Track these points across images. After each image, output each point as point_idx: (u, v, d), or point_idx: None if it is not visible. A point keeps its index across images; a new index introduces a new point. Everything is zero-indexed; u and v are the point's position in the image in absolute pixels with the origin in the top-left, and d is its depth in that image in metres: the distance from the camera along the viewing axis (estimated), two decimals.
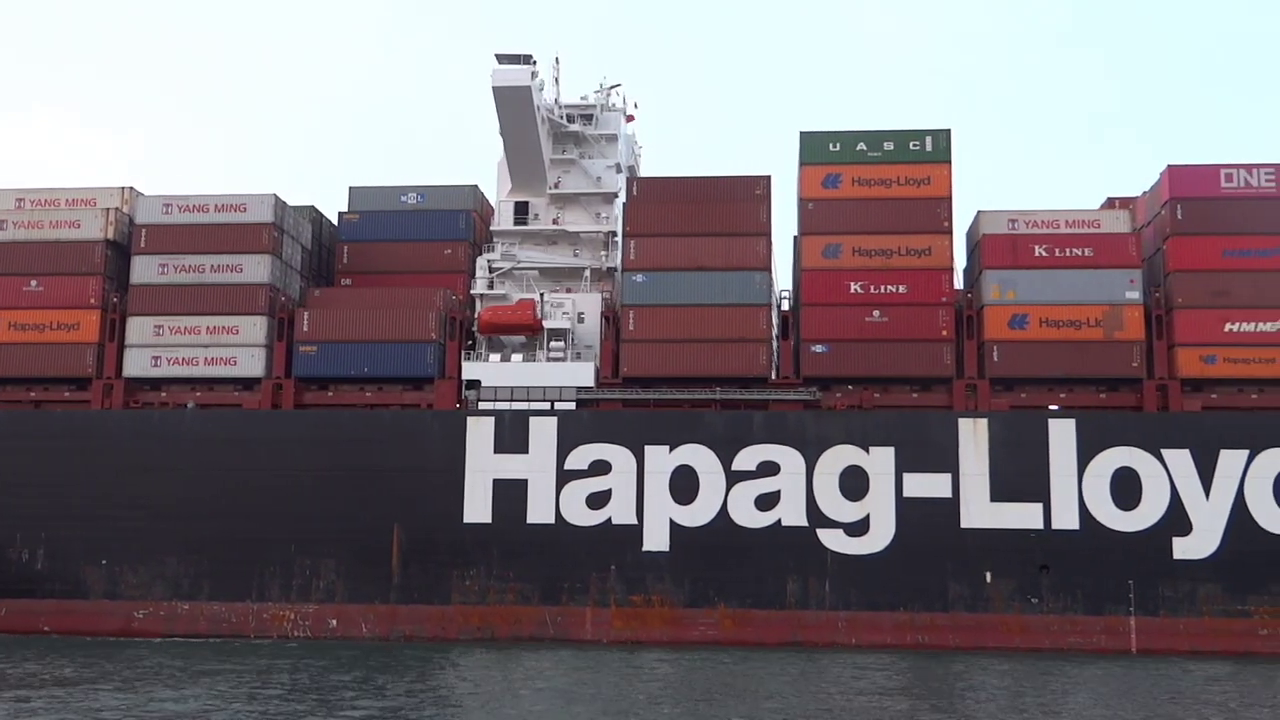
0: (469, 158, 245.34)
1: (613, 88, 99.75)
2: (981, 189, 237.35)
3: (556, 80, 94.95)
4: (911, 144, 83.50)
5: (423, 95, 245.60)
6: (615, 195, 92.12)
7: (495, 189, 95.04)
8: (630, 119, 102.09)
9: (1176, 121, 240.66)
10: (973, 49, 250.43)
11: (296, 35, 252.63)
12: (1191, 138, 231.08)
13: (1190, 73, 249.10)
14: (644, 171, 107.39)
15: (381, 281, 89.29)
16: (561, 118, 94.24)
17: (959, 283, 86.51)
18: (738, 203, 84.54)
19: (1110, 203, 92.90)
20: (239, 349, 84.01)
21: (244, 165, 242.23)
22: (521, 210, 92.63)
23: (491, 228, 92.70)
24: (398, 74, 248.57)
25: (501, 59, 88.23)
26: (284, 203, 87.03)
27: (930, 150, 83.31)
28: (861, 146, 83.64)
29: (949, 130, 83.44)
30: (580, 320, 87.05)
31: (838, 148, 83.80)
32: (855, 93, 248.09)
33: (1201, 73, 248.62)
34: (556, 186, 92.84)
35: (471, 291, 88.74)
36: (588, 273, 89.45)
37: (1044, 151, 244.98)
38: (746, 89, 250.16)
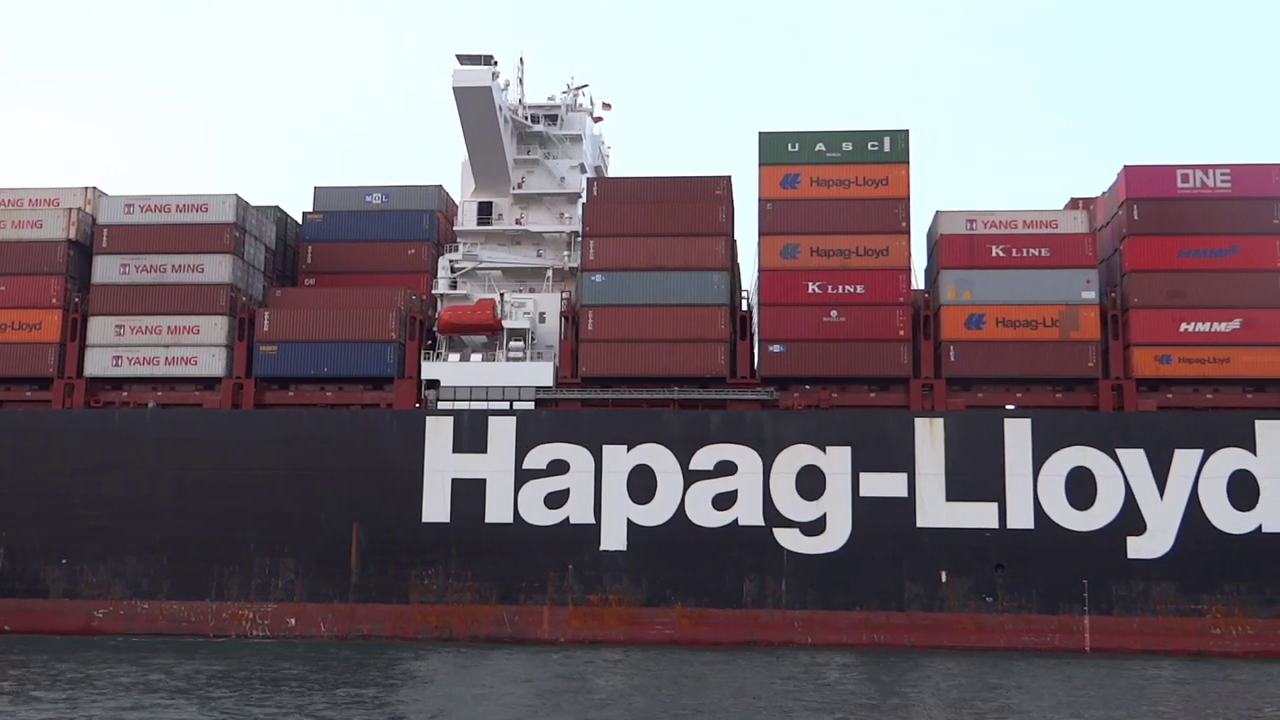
0: (439, 158, 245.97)
1: (580, 88, 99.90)
2: (951, 189, 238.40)
3: (521, 81, 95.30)
4: (870, 145, 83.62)
5: (396, 95, 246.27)
6: (579, 195, 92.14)
7: (460, 189, 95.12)
8: (599, 119, 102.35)
9: (1144, 121, 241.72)
10: (944, 50, 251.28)
11: (272, 38, 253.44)
12: (1159, 137, 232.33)
13: (1157, 72, 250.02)
14: (614, 171, 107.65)
15: (345, 281, 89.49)
16: (525, 118, 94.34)
17: (920, 282, 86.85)
18: (697, 203, 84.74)
19: (1074, 203, 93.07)
20: (200, 349, 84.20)
21: (218, 165, 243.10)
22: (485, 210, 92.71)
23: (455, 228, 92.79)
24: (371, 74, 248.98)
25: (463, 59, 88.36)
26: (246, 203, 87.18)
27: (888, 151, 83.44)
28: (820, 147, 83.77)
29: (907, 131, 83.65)
30: (541, 320, 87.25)
31: (796, 148, 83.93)
32: (832, 93, 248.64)
33: (1169, 72, 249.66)
34: (520, 187, 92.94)
35: (433, 291, 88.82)
36: (550, 273, 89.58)
37: (1013, 152, 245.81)
38: (721, 90, 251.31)
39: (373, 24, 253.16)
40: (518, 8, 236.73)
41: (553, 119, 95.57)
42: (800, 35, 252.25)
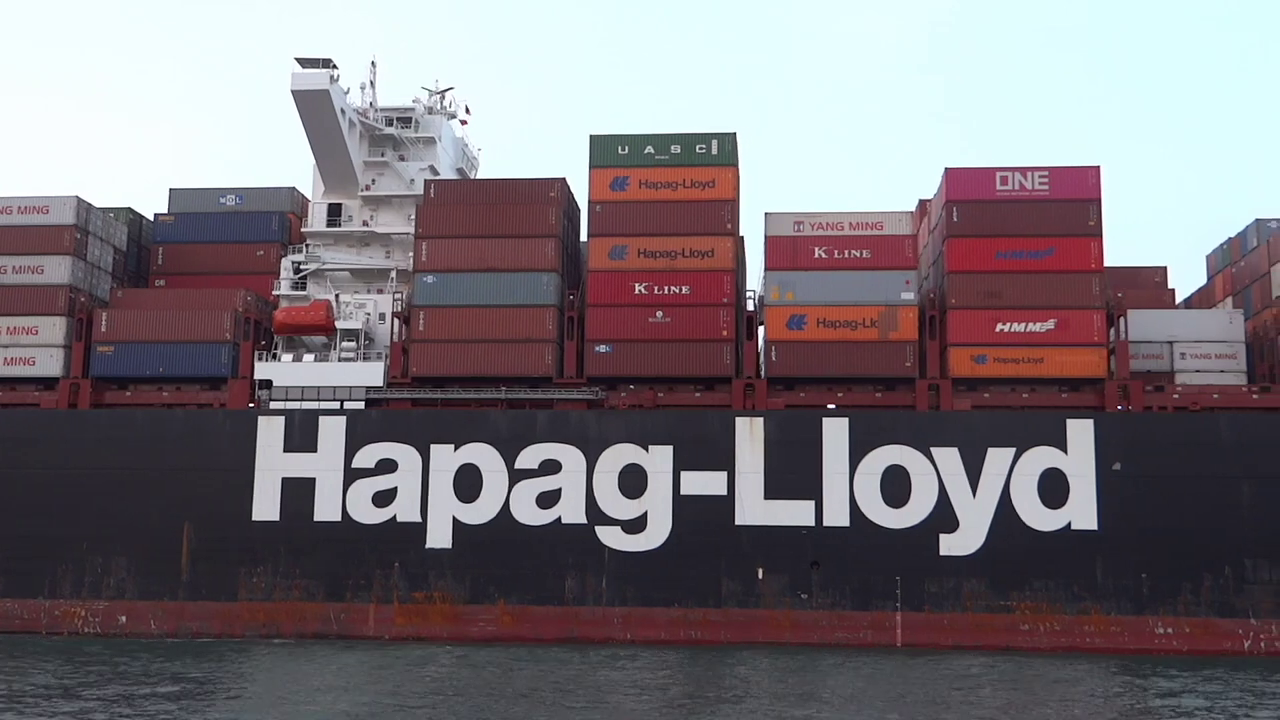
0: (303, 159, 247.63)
1: (444, 91, 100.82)
2: (809, 191, 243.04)
3: (372, 84, 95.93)
4: (698, 147, 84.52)
5: (271, 96, 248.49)
6: None
7: (312, 191, 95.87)
8: (464, 122, 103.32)
9: (998, 123, 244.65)
10: (848, 58, 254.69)
11: (160, 34, 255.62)
12: (1015, 138, 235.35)
13: (1010, 72, 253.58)
14: (483, 173, 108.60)
15: (195, 283, 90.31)
16: (378, 120, 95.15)
17: (757, 283, 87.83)
18: (528, 205, 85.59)
19: (921, 205, 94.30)
20: (37, 349, 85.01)
21: (88, 166, 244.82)
22: (335, 212, 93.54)
23: (304, 229, 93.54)
24: (249, 74, 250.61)
25: (303, 63, 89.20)
26: (89, 205, 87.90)
27: (716, 154, 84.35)
28: (649, 150, 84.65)
29: (734, 134, 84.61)
30: (382, 320, 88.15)
31: (626, 150, 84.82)
32: (716, 99, 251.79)
33: (1024, 73, 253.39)
34: (369, 189, 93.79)
35: (275, 293, 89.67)
36: (394, 274, 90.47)
37: (867, 156, 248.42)
38: (598, 97, 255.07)
39: (258, 19, 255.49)
40: (381, 12, 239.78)
41: (406, 122, 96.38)
42: (674, 42, 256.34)
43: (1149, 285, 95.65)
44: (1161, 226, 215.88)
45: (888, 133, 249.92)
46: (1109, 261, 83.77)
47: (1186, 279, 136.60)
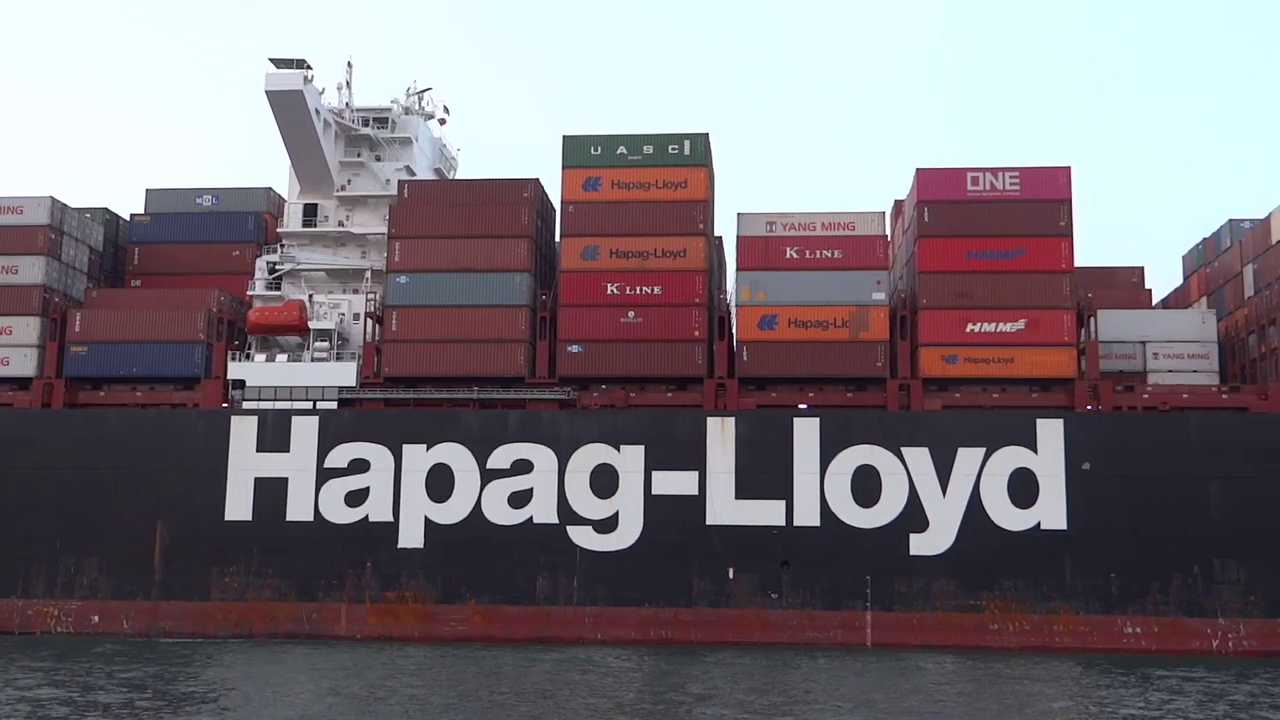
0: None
1: (423, 91, 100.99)
2: (798, 193, 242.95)
3: (348, 84, 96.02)
4: (670, 148, 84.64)
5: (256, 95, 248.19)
6: None
7: (288, 191, 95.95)
8: (443, 122, 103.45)
9: (985, 124, 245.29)
10: (843, 58, 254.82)
11: (153, 32, 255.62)
12: (1001, 138, 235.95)
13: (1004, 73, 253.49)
14: (464, 174, 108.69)
15: (171, 283, 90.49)
16: (354, 121, 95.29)
17: (731, 284, 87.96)
18: (501, 205, 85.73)
19: (897, 206, 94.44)
20: (11, 349, 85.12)
21: (75, 164, 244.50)
22: (311, 212, 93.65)
23: (280, 229, 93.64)
24: (236, 73, 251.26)
25: (277, 63, 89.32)
26: (63, 205, 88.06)
27: (688, 154, 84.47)
28: (621, 150, 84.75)
29: (707, 135, 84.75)
30: (356, 320, 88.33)
31: (599, 151, 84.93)
32: (715, 98, 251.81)
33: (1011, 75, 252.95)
34: (345, 189, 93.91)
35: (249, 293, 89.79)
36: (369, 274, 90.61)
37: (865, 156, 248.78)
38: (590, 97, 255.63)
39: (250, 20, 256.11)
40: (377, 14, 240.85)
41: (383, 122, 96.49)
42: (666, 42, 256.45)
43: (1126, 285, 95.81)
44: (1146, 227, 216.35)
45: (878, 133, 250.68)
46: (1088, 261, 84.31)
47: (1168, 280, 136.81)
